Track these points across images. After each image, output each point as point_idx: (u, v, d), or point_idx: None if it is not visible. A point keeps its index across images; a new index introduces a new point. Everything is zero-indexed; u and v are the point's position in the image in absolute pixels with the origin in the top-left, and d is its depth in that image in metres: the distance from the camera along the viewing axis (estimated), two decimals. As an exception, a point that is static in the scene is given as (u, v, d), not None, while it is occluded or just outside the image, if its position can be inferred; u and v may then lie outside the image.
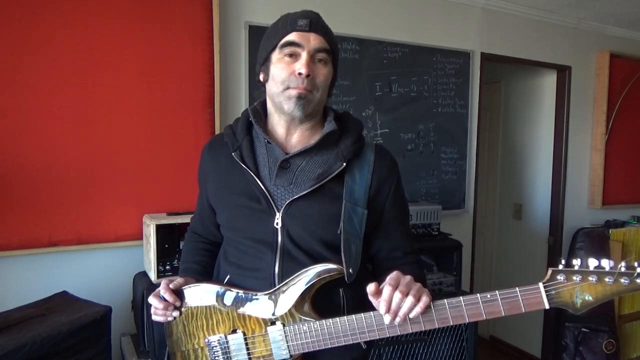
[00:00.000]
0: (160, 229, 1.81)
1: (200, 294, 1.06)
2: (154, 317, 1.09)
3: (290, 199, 1.03)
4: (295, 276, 0.99)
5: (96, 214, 1.92)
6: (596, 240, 3.25)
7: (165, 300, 1.06)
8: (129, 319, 1.96)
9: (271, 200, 1.03)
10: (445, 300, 0.90)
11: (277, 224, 1.03)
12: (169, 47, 2.01)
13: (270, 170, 1.06)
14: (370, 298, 0.94)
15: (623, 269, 0.80)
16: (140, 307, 1.79)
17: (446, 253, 2.42)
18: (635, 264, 0.80)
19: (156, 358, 1.73)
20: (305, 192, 1.02)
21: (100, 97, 1.90)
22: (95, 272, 1.96)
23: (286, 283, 1.00)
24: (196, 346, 1.06)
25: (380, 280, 0.97)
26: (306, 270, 0.98)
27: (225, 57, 2.17)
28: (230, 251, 1.12)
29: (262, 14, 2.23)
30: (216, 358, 1.04)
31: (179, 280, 1.10)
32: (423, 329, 0.92)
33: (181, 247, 1.91)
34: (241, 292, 1.03)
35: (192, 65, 2.06)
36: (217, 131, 2.10)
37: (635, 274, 0.79)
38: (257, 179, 1.04)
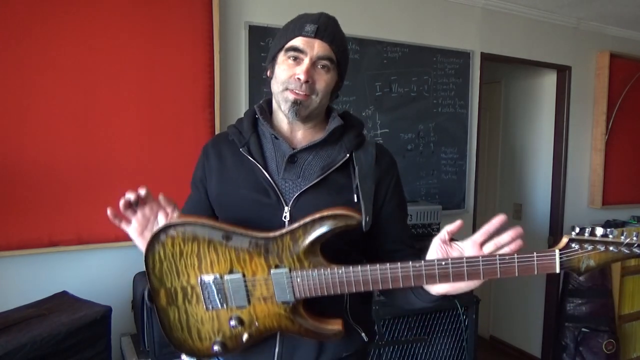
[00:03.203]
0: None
1: (194, 231, 0.99)
2: (120, 203, 1.03)
3: (299, 192, 1.04)
4: (308, 221, 0.95)
5: (96, 214, 1.92)
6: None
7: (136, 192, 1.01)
8: (129, 319, 1.96)
9: (280, 194, 1.05)
10: (464, 257, 0.92)
11: (285, 217, 1.04)
12: (169, 47, 2.01)
13: (277, 165, 1.08)
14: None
15: (625, 240, 0.89)
16: (140, 307, 1.79)
17: (446, 253, 2.42)
18: (634, 234, 0.89)
19: (156, 358, 1.73)
20: (312, 183, 1.04)
21: (100, 97, 1.90)
22: (95, 272, 1.96)
23: (297, 227, 0.96)
24: (185, 284, 1.00)
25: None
26: (321, 216, 0.94)
27: (225, 57, 2.17)
28: None
29: (262, 14, 2.23)
30: (210, 297, 0.99)
31: (170, 202, 1.06)
32: (437, 282, 0.93)
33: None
34: (243, 233, 0.98)
35: (192, 65, 2.06)
36: (217, 131, 2.10)
37: (636, 244, 0.89)
38: (265, 173, 1.06)
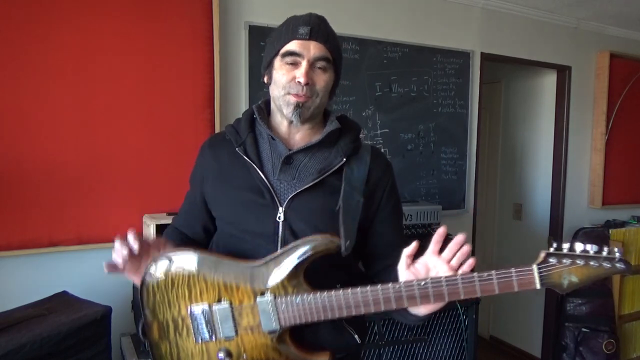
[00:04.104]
0: (160, 229, 1.81)
1: (184, 261, 1.01)
2: (113, 256, 1.04)
3: (293, 194, 1.04)
4: (290, 247, 0.98)
5: (96, 214, 1.92)
6: (596, 241, 3.25)
7: (127, 244, 1.02)
8: (129, 319, 1.96)
9: (274, 195, 1.05)
10: (442, 277, 0.92)
11: (279, 217, 1.04)
12: (169, 47, 2.01)
13: (273, 166, 1.08)
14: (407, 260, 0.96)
15: (605, 254, 0.87)
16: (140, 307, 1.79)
17: (446, 253, 2.42)
18: (615, 249, 0.87)
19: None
20: (307, 186, 1.04)
21: (100, 97, 1.90)
22: (95, 272, 1.96)
23: (280, 254, 0.99)
24: (176, 316, 1.02)
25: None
26: (302, 242, 0.97)
27: (225, 57, 2.17)
28: (228, 246, 1.12)
29: (262, 14, 2.22)
30: (199, 328, 1.00)
31: (158, 238, 1.07)
32: (418, 304, 0.93)
33: (181, 247, 1.91)
34: (228, 260, 1.01)
35: (192, 65, 2.06)
36: (217, 131, 2.10)
37: (617, 259, 0.87)
38: (261, 173, 1.06)
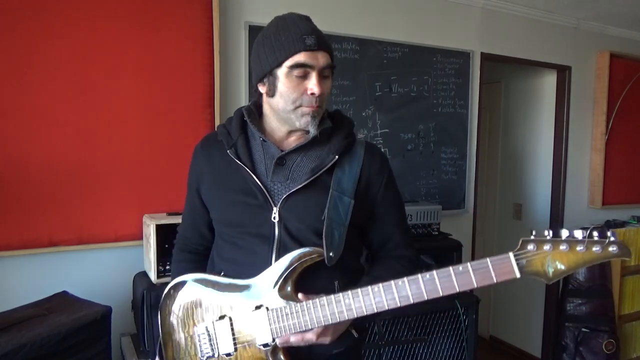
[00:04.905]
0: (160, 229, 1.81)
1: (190, 285, 1.09)
2: None
3: (287, 194, 1.05)
4: (279, 261, 1.02)
5: (96, 214, 1.92)
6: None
7: None
8: (129, 319, 1.96)
9: (268, 196, 1.06)
10: (419, 275, 0.91)
11: (274, 218, 1.05)
12: (169, 47, 2.01)
13: (266, 167, 1.09)
14: None
15: (595, 238, 0.80)
16: (140, 307, 1.79)
17: (446, 253, 2.42)
18: (608, 233, 0.80)
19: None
20: (300, 185, 1.05)
21: (100, 97, 1.90)
22: (95, 272, 1.96)
23: (270, 269, 1.02)
24: (186, 335, 1.08)
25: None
26: (288, 255, 1.01)
27: (225, 57, 2.17)
28: (224, 247, 1.14)
29: (262, 14, 2.23)
30: (203, 345, 1.06)
31: None
32: (399, 305, 0.93)
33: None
34: (227, 280, 1.06)
35: (192, 65, 2.06)
36: (217, 131, 2.11)
37: (607, 242, 0.79)
38: (253, 175, 1.06)
